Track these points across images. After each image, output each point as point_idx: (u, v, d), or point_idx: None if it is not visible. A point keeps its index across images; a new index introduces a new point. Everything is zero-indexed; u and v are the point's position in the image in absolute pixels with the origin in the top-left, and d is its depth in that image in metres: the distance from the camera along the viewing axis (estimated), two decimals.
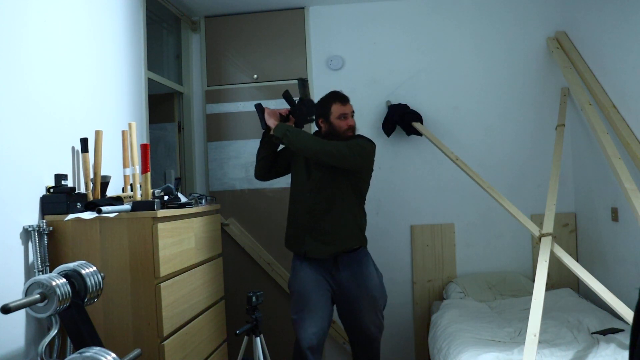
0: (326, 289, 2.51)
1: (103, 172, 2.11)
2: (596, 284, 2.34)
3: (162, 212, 1.93)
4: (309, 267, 2.51)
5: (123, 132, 2.17)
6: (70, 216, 1.86)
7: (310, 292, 2.47)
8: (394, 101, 3.45)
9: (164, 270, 1.92)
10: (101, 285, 1.60)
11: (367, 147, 2.49)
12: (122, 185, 2.29)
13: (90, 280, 1.56)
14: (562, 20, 3.35)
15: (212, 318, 2.44)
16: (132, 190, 2.13)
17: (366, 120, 3.49)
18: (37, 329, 1.82)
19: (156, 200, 1.93)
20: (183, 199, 2.32)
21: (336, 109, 2.51)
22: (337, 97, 2.54)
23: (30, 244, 1.80)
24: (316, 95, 3.52)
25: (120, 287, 1.88)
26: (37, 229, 1.80)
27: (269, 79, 3.56)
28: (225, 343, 2.60)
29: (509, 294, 3.18)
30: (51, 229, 1.86)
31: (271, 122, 2.48)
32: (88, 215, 1.88)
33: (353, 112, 2.56)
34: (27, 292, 1.45)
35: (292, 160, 2.63)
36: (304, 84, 2.49)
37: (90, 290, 1.55)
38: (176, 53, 3.62)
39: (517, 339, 2.42)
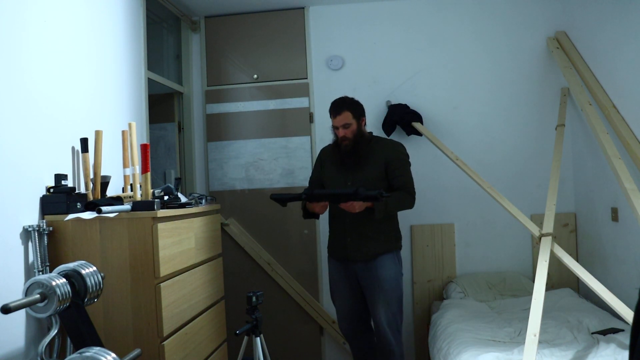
0: (348, 277, 2.70)
1: (103, 172, 2.11)
2: (596, 284, 2.34)
3: (162, 212, 1.93)
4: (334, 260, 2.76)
5: (123, 132, 2.17)
6: (70, 216, 1.87)
7: (336, 282, 2.74)
8: (394, 101, 3.45)
9: (164, 270, 1.92)
10: (101, 285, 1.60)
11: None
12: (122, 185, 2.29)
13: (90, 280, 1.56)
14: (562, 20, 3.35)
15: (212, 318, 2.44)
16: (132, 190, 2.13)
17: (366, 120, 3.48)
18: (37, 329, 1.82)
19: (156, 200, 1.93)
20: (183, 199, 2.32)
21: (332, 120, 2.66)
22: (330, 109, 2.66)
23: (30, 244, 1.80)
24: (316, 95, 3.53)
25: (120, 287, 1.88)
26: (37, 229, 1.80)
27: (269, 79, 3.56)
28: (225, 343, 2.60)
29: (509, 294, 3.18)
30: (51, 229, 1.86)
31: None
32: (88, 215, 1.88)
33: (347, 123, 2.61)
34: (27, 292, 1.45)
35: (325, 172, 2.78)
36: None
37: (90, 290, 1.55)
38: (176, 53, 3.62)
39: (517, 339, 2.42)
